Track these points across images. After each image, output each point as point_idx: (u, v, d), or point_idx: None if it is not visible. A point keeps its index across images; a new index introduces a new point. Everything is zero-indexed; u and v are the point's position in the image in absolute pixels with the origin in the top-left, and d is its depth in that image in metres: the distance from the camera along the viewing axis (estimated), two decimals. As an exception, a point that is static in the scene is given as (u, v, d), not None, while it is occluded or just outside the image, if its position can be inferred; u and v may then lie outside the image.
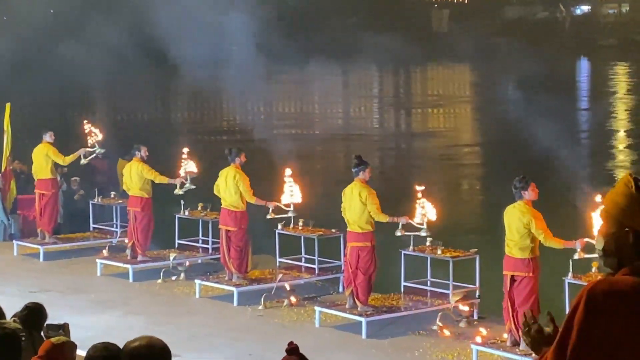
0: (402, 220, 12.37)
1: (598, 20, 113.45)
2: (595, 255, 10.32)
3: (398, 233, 12.51)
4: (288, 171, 13.95)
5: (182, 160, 15.11)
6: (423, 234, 12.43)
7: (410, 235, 12.63)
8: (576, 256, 10.80)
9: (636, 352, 3.31)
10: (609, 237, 3.51)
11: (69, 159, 17.02)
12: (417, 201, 12.29)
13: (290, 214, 13.98)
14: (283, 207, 13.85)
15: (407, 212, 12.58)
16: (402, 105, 55.98)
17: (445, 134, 41.48)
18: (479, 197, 27.29)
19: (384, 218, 12.35)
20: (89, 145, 16.72)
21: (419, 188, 12.31)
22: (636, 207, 3.44)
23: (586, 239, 10.69)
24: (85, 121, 17.25)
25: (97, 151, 16.72)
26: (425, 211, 12.25)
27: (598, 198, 10.54)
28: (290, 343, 5.81)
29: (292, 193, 13.84)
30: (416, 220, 12.33)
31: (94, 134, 16.84)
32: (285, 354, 5.69)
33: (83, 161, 16.88)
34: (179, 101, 47.44)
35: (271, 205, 13.91)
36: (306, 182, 15.00)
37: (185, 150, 15.21)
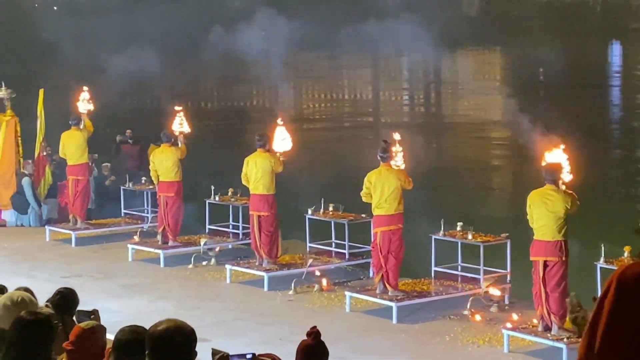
0: None
1: (630, 3, 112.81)
2: None
3: None
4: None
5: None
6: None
7: None
8: None
9: None
10: None
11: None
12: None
13: None
14: None
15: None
16: (434, 90, 55.91)
17: (475, 117, 41.33)
18: (510, 180, 27.16)
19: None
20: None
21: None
22: None
23: None
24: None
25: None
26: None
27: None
28: (313, 327, 5.82)
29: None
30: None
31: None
32: (307, 338, 5.72)
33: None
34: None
35: None
36: (339, 167, 15.00)
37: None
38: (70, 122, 16.93)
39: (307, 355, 5.69)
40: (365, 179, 12.49)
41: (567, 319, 10.75)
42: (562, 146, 11.13)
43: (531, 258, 11.01)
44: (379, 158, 12.53)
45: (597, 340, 3.36)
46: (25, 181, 17.89)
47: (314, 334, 5.76)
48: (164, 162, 15.42)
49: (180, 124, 15.18)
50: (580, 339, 4.07)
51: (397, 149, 12.63)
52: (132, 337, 5.31)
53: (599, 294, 3.58)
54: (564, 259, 10.83)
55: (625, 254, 10.79)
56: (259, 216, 14.00)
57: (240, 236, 15.64)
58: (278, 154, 13.94)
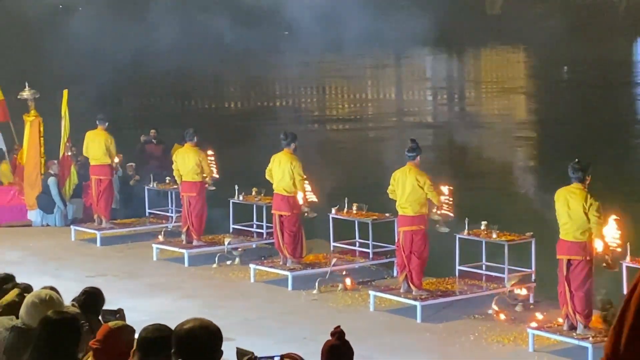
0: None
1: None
2: None
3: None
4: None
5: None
6: (445, 229, 12.65)
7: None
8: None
9: None
10: None
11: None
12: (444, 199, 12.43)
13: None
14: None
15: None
16: (456, 89, 55.74)
17: (500, 116, 41.20)
18: (534, 179, 27.06)
19: (438, 200, 12.36)
20: None
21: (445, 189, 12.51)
22: None
23: None
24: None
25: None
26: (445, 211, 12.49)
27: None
28: (337, 327, 5.83)
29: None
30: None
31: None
32: (331, 338, 5.73)
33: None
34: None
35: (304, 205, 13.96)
36: (363, 167, 14.99)
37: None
38: (97, 122, 17.00)
39: (333, 356, 5.69)
40: (392, 177, 12.53)
41: (597, 316, 10.73)
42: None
43: (557, 257, 10.99)
44: (406, 156, 12.54)
45: (624, 338, 3.36)
46: (51, 181, 17.97)
47: (338, 333, 5.77)
48: (186, 162, 15.45)
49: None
50: (590, 338, 4.09)
51: (447, 198, 12.57)
52: (157, 335, 5.33)
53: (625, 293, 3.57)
54: (588, 258, 10.77)
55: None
56: (281, 216, 14.02)
57: (265, 235, 15.64)
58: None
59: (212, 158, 15.43)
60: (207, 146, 15.96)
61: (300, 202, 13.93)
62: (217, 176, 15.63)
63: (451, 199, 12.51)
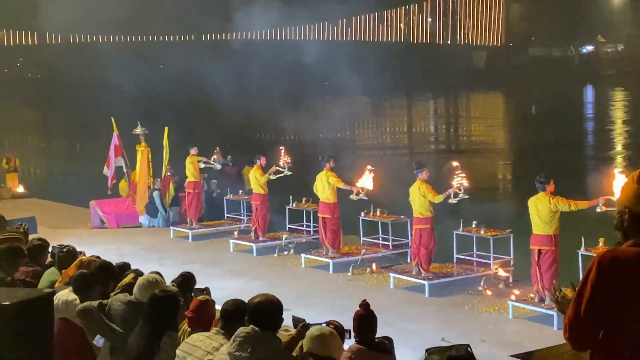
0: (450, 192, 12.09)
1: (600, 56, 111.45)
2: (614, 208, 9.97)
3: (454, 201, 12.17)
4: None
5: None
6: (465, 196, 12.03)
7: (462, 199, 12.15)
8: (598, 209, 10.38)
9: (636, 304, 3.28)
10: (618, 216, 3.48)
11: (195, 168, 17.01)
12: (456, 172, 12.08)
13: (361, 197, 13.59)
14: (360, 189, 13.63)
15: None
16: (453, 123, 55.50)
17: (485, 144, 40.96)
18: (511, 190, 26.84)
19: (439, 199, 12.15)
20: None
21: (455, 164, 12.17)
22: (631, 193, 3.40)
23: (607, 198, 10.24)
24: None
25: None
26: (462, 180, 12.01)
27: (616, 170, 10.36)
28: (363, 301, 5.81)
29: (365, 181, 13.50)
30: (455, 185, 12.04)
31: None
32: (360, 309, 5.73)
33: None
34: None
35: (355, 189, 13.70)
36: (387, 181, 14.83)
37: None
38: (190, 150, 17.14)
39: (362, 322, 5.70)
40: (410, 190, 12.45)
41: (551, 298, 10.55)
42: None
43: (530, 247, 10.89)
44: (415, 174, 12.47)
45: (583, 306, 3.36)
46: (155, 194, 18.12)
47: (365, 305, 5.77)
48: (252, 179, 15.57)
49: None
50: (560, 314, 4.06)
51: (459, 171, 12.09)
52: (235, 307, 5.35)
53: (581, 276, 3.56)
54: (554, 248, 10.67)
55: (600, 244, 10.57)
56: (324, 218, 14.02)
57: (312, 233, 15.61)
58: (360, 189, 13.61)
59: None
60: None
61: (354, 190, 13.63)
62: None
63: (461, 172, 12.07)
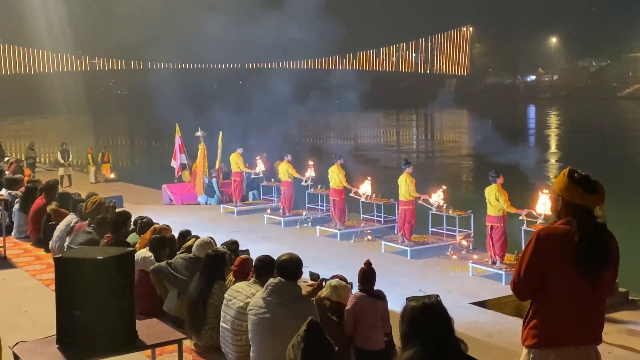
0: (427, 198, 12.25)
1: (539, 84, 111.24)
2: (532, 219, 10.02)
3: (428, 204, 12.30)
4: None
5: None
6: (432, 206, 12.31)
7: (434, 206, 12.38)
8: (520, 217, 10.50)
9: (560, 266, 3.26)
10: (552, 202, 3.48)
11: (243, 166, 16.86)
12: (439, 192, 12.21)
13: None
14: (360, 194, 13.74)
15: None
16: (430, 132, 55.05)
17: (451, 148, 40.69)
18: (473, 179, 26.68)
19: (416, 195, 12.19)
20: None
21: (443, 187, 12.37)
22: (563, 185, 3.36)
23: (529, 210, 10.40)
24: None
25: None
26: (439, 199, 12.23)
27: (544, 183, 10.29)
28: (367, 261, 5.79)
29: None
30: (432, 199, 12.24)
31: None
32: (364, 266, 5.69)
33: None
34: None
35: (353, 189, 13.83)
36: (385, 174, 14.70)
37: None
38: (237, 149, 17.04)
39: (365, 276, 5.65)
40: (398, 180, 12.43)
41: (508, 257, 10.56)
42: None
43: (486, 224, 10.83)
44: (402, 168, 12.44)
45: (523, 268, 3.35)
46: (214, 180, 18.16)
47: (368, 263, 5.73)
48: (281, 170, 15.54)
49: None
50: (504, 268, 4.04)
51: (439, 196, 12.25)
52: (265, 262, 5.35)
53: (523, 246, 3.55)
54: (502, 225, 10.62)
55: (539, 221, 10.50)
56: (334, 200, 14.01)
57: (325, 211, 15.50)
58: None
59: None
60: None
61: (353, 189, 13.83)
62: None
63: (443, 198, 12.27)
